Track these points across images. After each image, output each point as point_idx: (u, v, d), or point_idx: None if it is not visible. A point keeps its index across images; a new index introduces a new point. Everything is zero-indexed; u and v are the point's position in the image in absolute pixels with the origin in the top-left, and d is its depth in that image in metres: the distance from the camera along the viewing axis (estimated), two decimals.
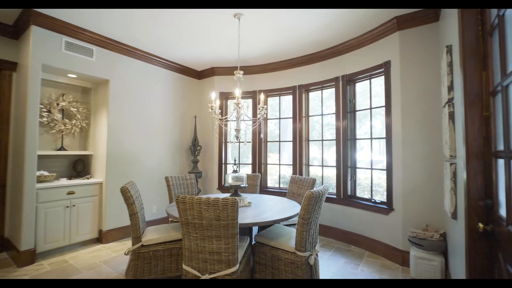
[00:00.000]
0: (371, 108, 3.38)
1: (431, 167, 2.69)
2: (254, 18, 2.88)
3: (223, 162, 4.67)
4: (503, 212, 1.18)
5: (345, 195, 3.55)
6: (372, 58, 3.24)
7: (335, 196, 3.66)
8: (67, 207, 3.13)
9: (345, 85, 3.60)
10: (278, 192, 4.23)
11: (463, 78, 1.44)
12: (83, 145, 3.77)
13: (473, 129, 1.39)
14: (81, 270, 2.66)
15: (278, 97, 4.53)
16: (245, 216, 2.16)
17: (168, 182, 3.12)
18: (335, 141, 3.75)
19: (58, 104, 3.40)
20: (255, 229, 3.31)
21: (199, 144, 4.60)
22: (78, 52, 3.20)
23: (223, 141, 4.67)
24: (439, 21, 2.67)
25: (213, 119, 2.74)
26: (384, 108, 3.12)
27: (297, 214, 2.30)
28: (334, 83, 3.73)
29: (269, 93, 4.42)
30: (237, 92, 2.63)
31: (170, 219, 2.95)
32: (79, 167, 3.60)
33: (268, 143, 4.60)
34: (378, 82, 3.38)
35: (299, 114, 4.15)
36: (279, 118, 4.55)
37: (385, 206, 3.04)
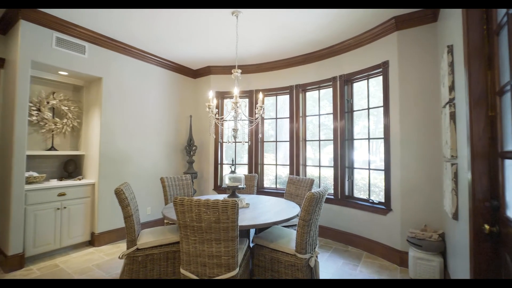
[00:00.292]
0: (368, 108, 3.37)
1: (429, 167, 2.70)
2: (252, 16, 2.83)
3: (219, 163, 4.60)
4: (510, 213, 1.16)
5: (343, 196, 3.53)
6: (370, 58, 3.23)
7: (332, 197, 3.64)
8: (58, 209, 3.02)
9: (343, 85, 3.58)
10: (275, 193, 4.19)
11: (467, 77, 1.42)
12: (75, 145, 3.65)
13: (478, 129, 1.37)
14: (73, 275, 2.56)
15: (274, 97, 4.49)
16: (244, 218, 2.11)
17: (163, 183, 3.04)
18: (332, 141, 3.73)
19: (48, 103, 3.28)
20: (252, 231, 3.26)
21: (194, 144, 4.53)
22: (70, 49, 3.09)
23: (219, 141, 4.61)
24: (437, 22, 2.67)
25: (210, 119, 2.68)
26: (382, 108, 3.11)
27: (297, 215, 2.26)
28: (331, 83, 3.71)
29: (266, 92, 4.38)
30: (236, 90, 2.57)
31: (165, 221, 2.88)
32: (71, 167, 3.48)
33: (264, 143, 4.56)
34: (376, 82, 3.37)
35: (296, 114, 4.12)
36: (276, 118, 4.51)
37: (383, 207, 3.04)
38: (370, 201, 3.26)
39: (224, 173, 4.64)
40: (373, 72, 3.24)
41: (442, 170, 2.57)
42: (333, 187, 3.66)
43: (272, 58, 4.13)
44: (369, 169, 3.34)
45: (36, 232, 2.83)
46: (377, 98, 3.34)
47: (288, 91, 4.22)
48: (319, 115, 4.02)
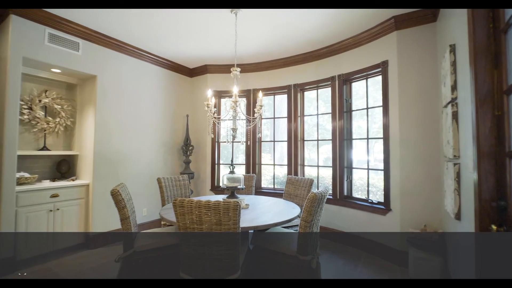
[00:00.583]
0: (367, 108, 3.36)
1: (429, 167, 2.70)
2: (251, 15, 2.79)
3: (216, 163, 4.54)
4: None
5: (342, 196, 3.52)
6: (369, 58, 3.22)
7: (331, 197, 3.62)
8: (51, 211, 2.92)
9: (342, 85, 3.57)
10: (273, 193, 4.15)
11: (473, 77, 1.41)
12: (68, 144, 3.55)
13: (485, 128, 1.36)
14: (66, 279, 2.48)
15: (272, 96, 4.46)
16: (244, 219, 2.06)
17: (160, 184, 2.97)
18: (330, 141, 3.72)
19: (40, 101, 3.18)
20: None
21: (191, 144, 4.46)
22: (63, 46, 3.00)
23: (217, 140, 4.55)
24: (437, 22, 2.67)
25: (208, 118, 2.62)
26: (381, 108, 3.10)
27: (297, 216, 2.23)
28: (330, 82, 3.69)
29: (264, 92, 4.33)
30: (235, 89, 2.53)
31: (162, 223, 2.81)
32: (64, 168, 3.39)
33: (262, 143, 4.52)
34: (376, 82, 3.36)
35: (294, 114, 4.09)
36: (274, 118, 4.48)
37: (382, 207, 3.03)
38: (369, 201, 3.25)
39: (221, 173, 4.59)
40: (372, 71, 3.23)
41: (442, 170, 2.56)
42: (331, 187, 3.64)
43: (270, 57, 4.09)
44: (368, 169, 3.33)
45: (28, 235, 2.73)
46: (375, 98, 3.33)
47: (286, 90, 4.18)
48: (317, 114, 4.00)
